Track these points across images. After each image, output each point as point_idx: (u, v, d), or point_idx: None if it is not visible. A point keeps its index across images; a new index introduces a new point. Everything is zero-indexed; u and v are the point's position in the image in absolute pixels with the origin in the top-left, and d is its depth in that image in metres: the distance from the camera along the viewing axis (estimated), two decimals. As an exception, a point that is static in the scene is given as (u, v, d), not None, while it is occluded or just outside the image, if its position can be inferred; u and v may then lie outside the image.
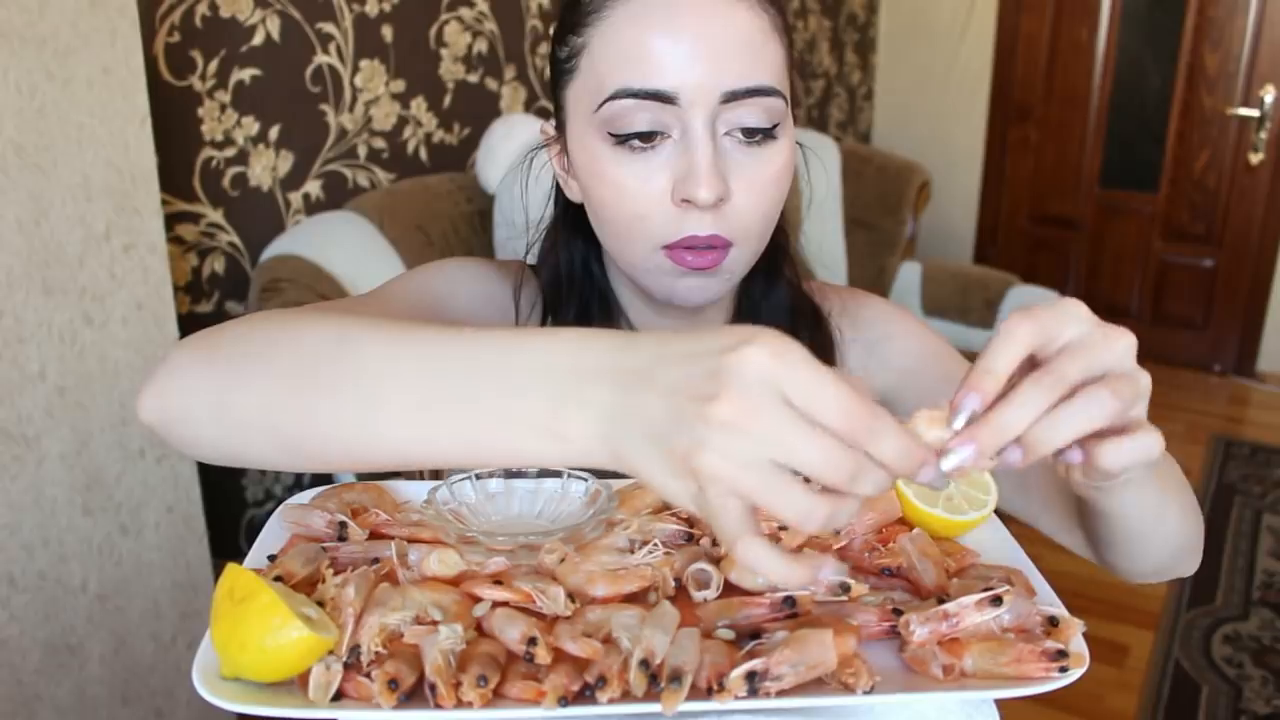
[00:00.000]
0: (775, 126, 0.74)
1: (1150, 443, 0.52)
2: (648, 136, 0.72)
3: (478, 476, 0.74)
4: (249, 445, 0.57)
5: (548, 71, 0.82)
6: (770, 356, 0.43)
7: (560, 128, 0.81)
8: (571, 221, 0.86)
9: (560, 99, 0.79)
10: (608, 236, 0.79)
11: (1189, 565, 0.75)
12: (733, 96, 0.71)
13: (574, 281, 0.87)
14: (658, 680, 0.53)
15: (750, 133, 0.73)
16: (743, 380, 0.43)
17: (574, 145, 0.77)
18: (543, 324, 0.87)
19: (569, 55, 0.76)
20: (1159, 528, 0.68)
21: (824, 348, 0.87)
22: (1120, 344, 0.50)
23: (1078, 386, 0.48)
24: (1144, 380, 0.51)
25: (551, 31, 0.80)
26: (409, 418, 0.51)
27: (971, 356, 0.88)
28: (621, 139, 0.73)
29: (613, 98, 0.72)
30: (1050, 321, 0.49)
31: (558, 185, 0.86)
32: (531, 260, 0.91)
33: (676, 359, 0.46)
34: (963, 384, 0.48)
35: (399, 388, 0.52)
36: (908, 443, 0.45)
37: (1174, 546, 0.71)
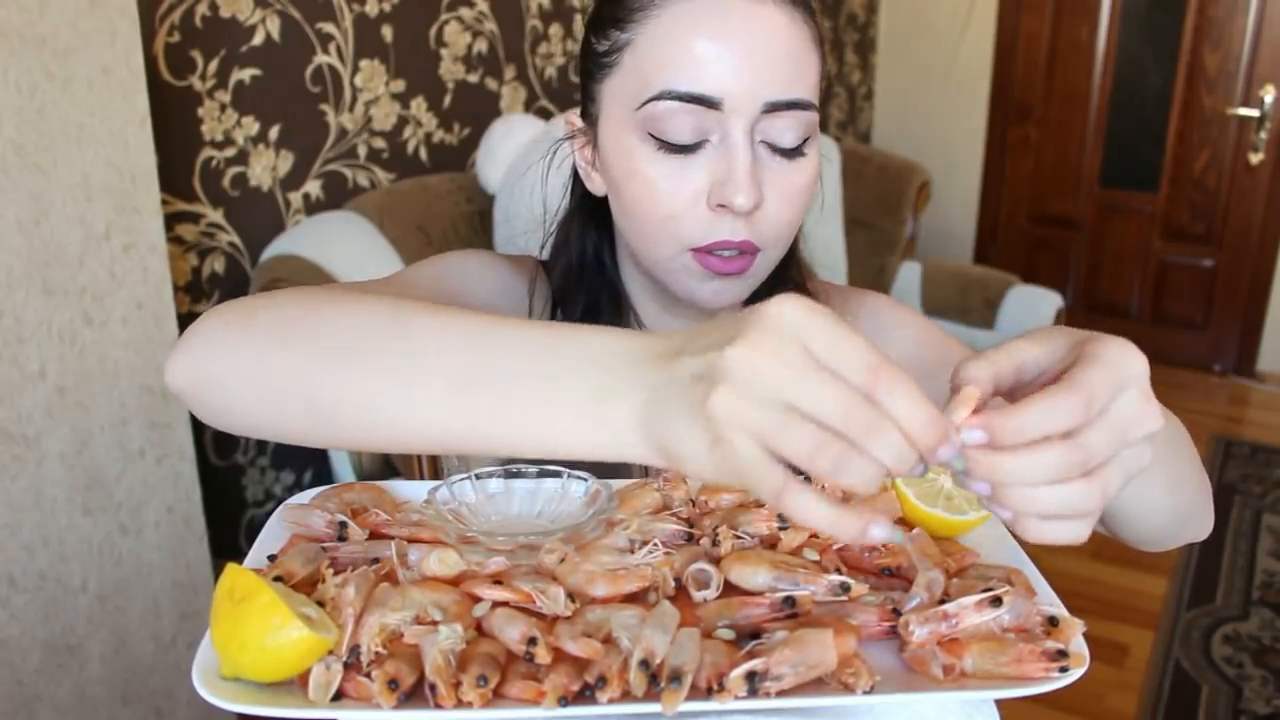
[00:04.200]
0: (807, 138, 0.75)
1: (1080, 527, 0.48)
2: (687, 138, 0.73)
3: (478, 476, 0.74)
4: (282, 413, 0.57)
5: (549, 69, 0.82)
6: (796, 308, 0.44)
7: (588, 118, 0.81)
8: (586, 214, 0.86)
9: (594, 91, 0.78)
10: (633, 234, 0.79)
11: (1199, 530, 0.74)
12: (774, 107, 0.72)
13: (585, 274, 0.87)
14: (658, 680, 0.53)
15: (784, 142, 0.74)
16: (765, 325, 0.44)
17: (607, 140, 0.77)
18: (552, 318, 0.87)
19: (609, 50, 0.76)
20: (1160, 500, 0.67)
21: None
22: (1149, 424, 0.48)
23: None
24: (1145, 459, 0.49)
25: (586, 20, 0.80)
26: (452, 396, 0.51)
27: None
28: (661, 139, 0.73)
29: (656, 98, 0.72)
30: (1108, 385, 0.47)
31: (575, 177, 0.86)
32: (548, 252, 0.91)
33: (712, 327, 0.47)
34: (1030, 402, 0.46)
35: (446, 365, 0.52)
36: (931, 410, 0.44)
37: (1179, 515, 0.69)
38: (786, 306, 0.44)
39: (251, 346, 0.58)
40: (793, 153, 0.75)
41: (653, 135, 0.73)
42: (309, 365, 0.55)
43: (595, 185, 0.82)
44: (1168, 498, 0.67)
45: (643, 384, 0.47)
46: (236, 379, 0.58)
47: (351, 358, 0.54)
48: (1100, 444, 0.47)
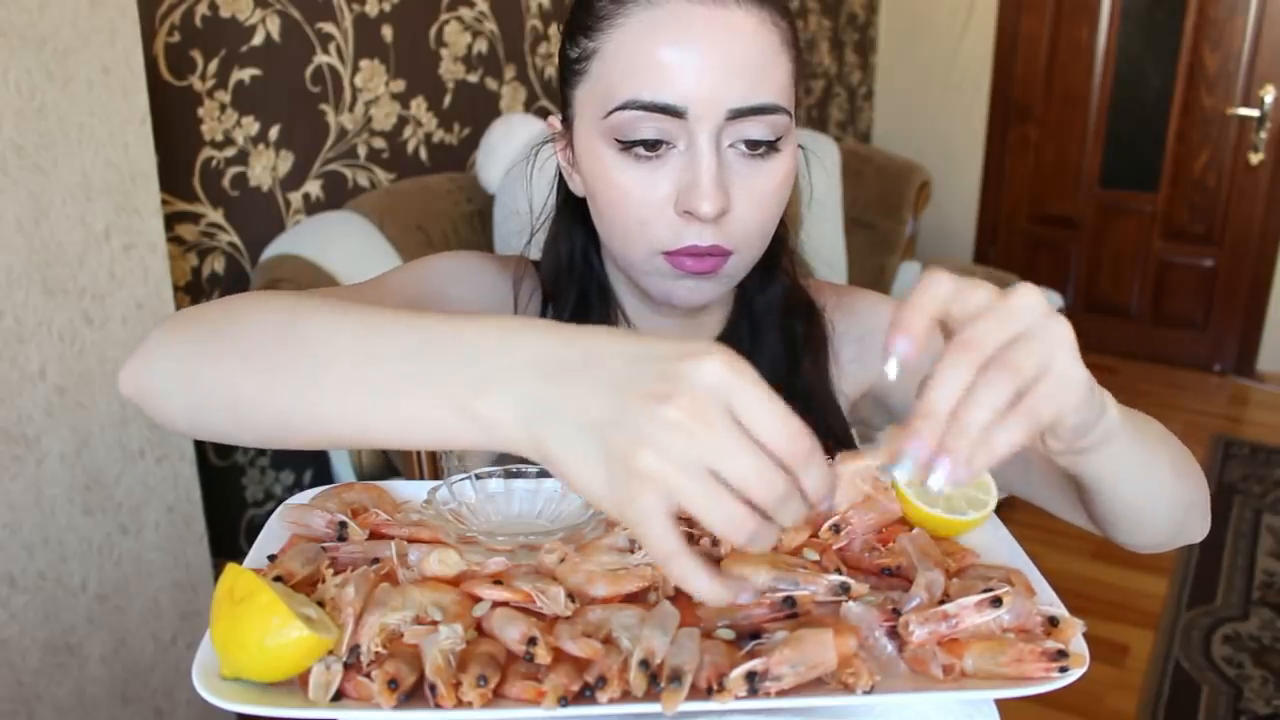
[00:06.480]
0: (778, 140, 0.75)
1: (1072, 380, 0.52)
2: (653, 145, 0.73)
3: (478, 476, 0.74)
4: (212, 419, 0.59)
5: (549, 69, 0.83)
6: (726, 370, 0.45)
7: (566, 122, 0.81)
8: (571, 212, 0.87)
9: (568, 97, 0.79)
10: (610, 237, 0.80)
11: (1197, 529, 0.74)
12: (738, 114, 0.72)
13: (574, 272, 0.87)
14: (658, 680, 0.53)
15: (754, 145, 0.74)
16: (696, 386, 0.45)
17: (580, 145, 0.78)
18: (542, 314, 0.88)
19: (580, 57, 0.76)
20: (1152, 491, 0.67)
21: (817, 342, 0.88)
22: (1025, 301, 0.51)
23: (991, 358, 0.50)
24: (1057, 332, 0.51)
25: (562, 26, 0.81)
26: (342, 395, 0.53)
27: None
28: (627, 146, 0.73)
29: (621, 108, 0.72)
30: (964, 284, 0.52)
31: (560, 176, 0.87)
32: (534, 251, 0.92)
33: (626, 358, 0.47)
34: (892, 329, 0.51)
35: (335, 365, 0.53)
36: (830, 480, 0.48)
37: (1174, 510, 0.70)
38: (713, 366, 0.45)
39: (180, 356, 0.60)
40: (762, 154, 0.75)
41: (620, 141, 0.74)
42: (224, 374, 0.58)
43: (576, 186, 0.83)
44: (1170, 482, 0.67)
45: (528, 388, 0.48)
46: (170, 387, 0.61)
47: (257, 365, 0.56)
48: (987, 338, 0.50)
